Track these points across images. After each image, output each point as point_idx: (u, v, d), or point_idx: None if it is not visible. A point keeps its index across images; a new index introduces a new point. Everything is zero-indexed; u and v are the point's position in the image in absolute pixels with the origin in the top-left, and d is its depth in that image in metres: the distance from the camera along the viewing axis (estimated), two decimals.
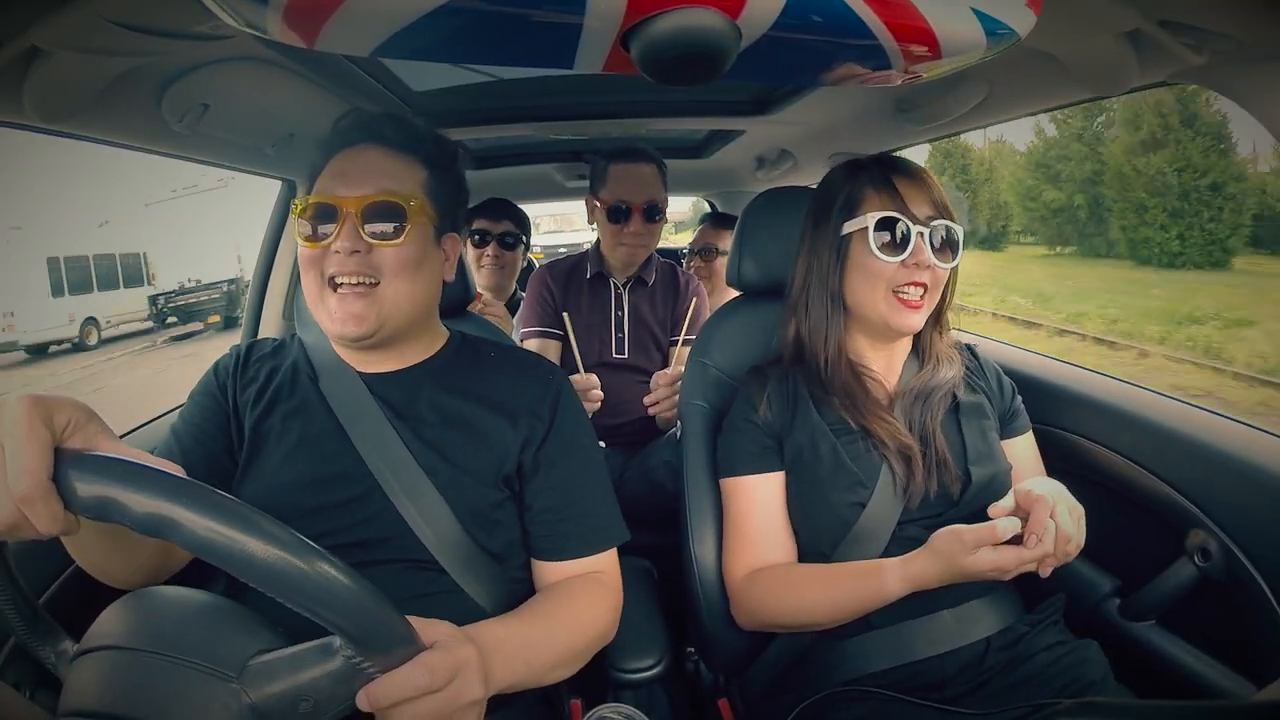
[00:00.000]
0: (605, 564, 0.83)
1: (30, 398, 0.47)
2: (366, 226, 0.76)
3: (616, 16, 0.48)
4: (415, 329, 0.84)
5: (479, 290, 1.62)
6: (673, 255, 2.60)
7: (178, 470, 0.47)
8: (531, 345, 1.61)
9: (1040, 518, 0.74)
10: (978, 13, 0.52)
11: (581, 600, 0.79)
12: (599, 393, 1.42)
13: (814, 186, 1.01)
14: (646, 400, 1.44)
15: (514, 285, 2.05)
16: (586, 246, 1.77)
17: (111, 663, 0.48)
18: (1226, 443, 0.92)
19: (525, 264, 2.14)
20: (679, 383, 1.37)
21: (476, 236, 1.92)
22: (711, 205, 2.89)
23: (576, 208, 1.73)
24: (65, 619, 0.56)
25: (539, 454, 0.82)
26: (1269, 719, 0.60)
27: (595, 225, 1.66)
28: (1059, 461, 1.02)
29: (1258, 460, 0.88)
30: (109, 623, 0.51)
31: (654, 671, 0.90)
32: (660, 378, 1.44)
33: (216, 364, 0.87)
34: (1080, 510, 0.78)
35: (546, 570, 0.82)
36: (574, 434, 0.85)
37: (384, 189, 0.77)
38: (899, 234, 0.88)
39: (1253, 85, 0.75)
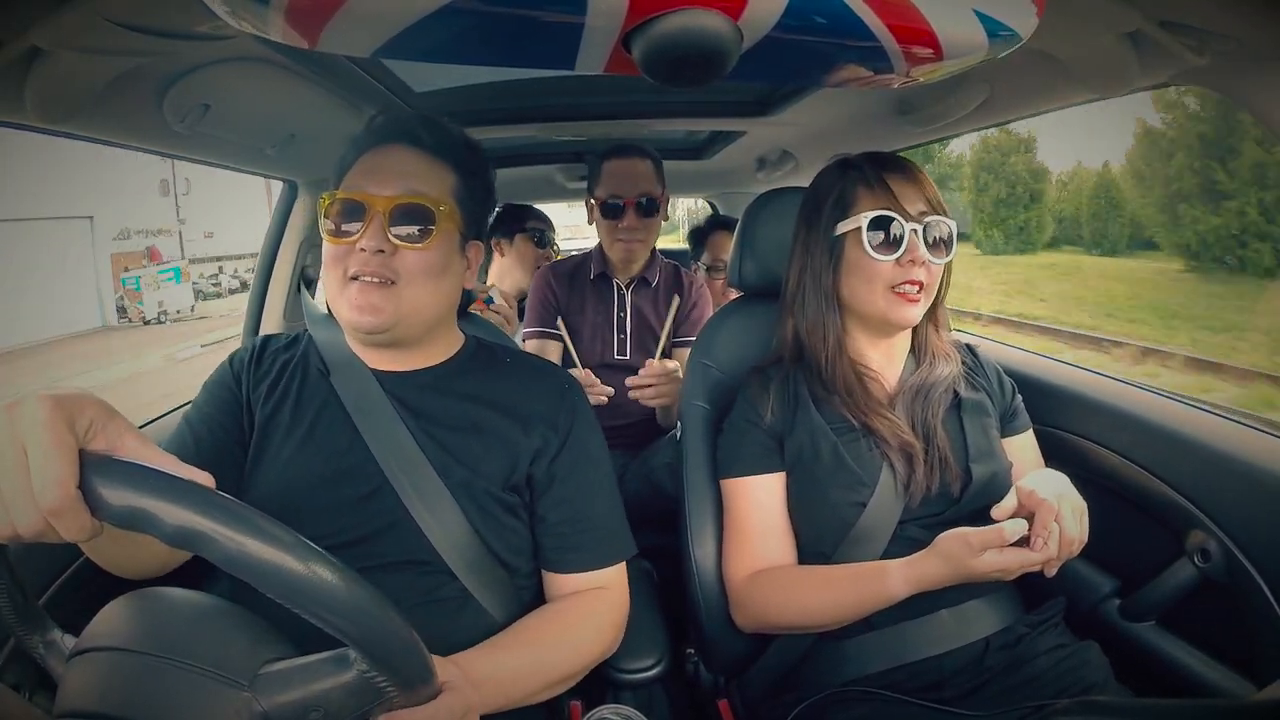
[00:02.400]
0: (613, 578, 0.84)
1: (52, 398, 0.44)
2: (393, 228, 0.75)
3: (618, 17, 0.48)
4: (431, 333, 0.84)
5: (503, 290, 1.65)
6: (679, 257, 2.51)
7: (208, 480, 0.47)
8: (531, 346, 1.61)
9: (1045, 522, 0.74)
10: (979, 14, 0.52)
11: (581, 621, 0.79)
12: (602, 386, 1.39)
13: None
14: (629, 381, 1.40)
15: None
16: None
17: (116, 664, 0.47)
18: (1226, 443, 0.92)
19: None
20: (666, 377, 1.36)
21: (536, 236, 2.03)
22: (713, 206, 2.88)
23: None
24: (65, 619, 0.55)
25: (552, 466, 0.82)
26: (1269, 719, 0.60)
27: (595, 225, 1.65)
28: (1059, 462, 1.02)
29: (1258, 460, 0.88)
30: (110, 622, 0.50)
31: (654, 672, 0.90)
32: (652, 366, 1.39)
33: (232, 356, 0.86)
34: (1083, 506, 0.78)
35: (556, 581, 0.83)
36: (588, 446, 0.85)
37: (413, 190, 0.76)
38: (893, 233, 0.88)
39: (1253, 86, 0.75)
